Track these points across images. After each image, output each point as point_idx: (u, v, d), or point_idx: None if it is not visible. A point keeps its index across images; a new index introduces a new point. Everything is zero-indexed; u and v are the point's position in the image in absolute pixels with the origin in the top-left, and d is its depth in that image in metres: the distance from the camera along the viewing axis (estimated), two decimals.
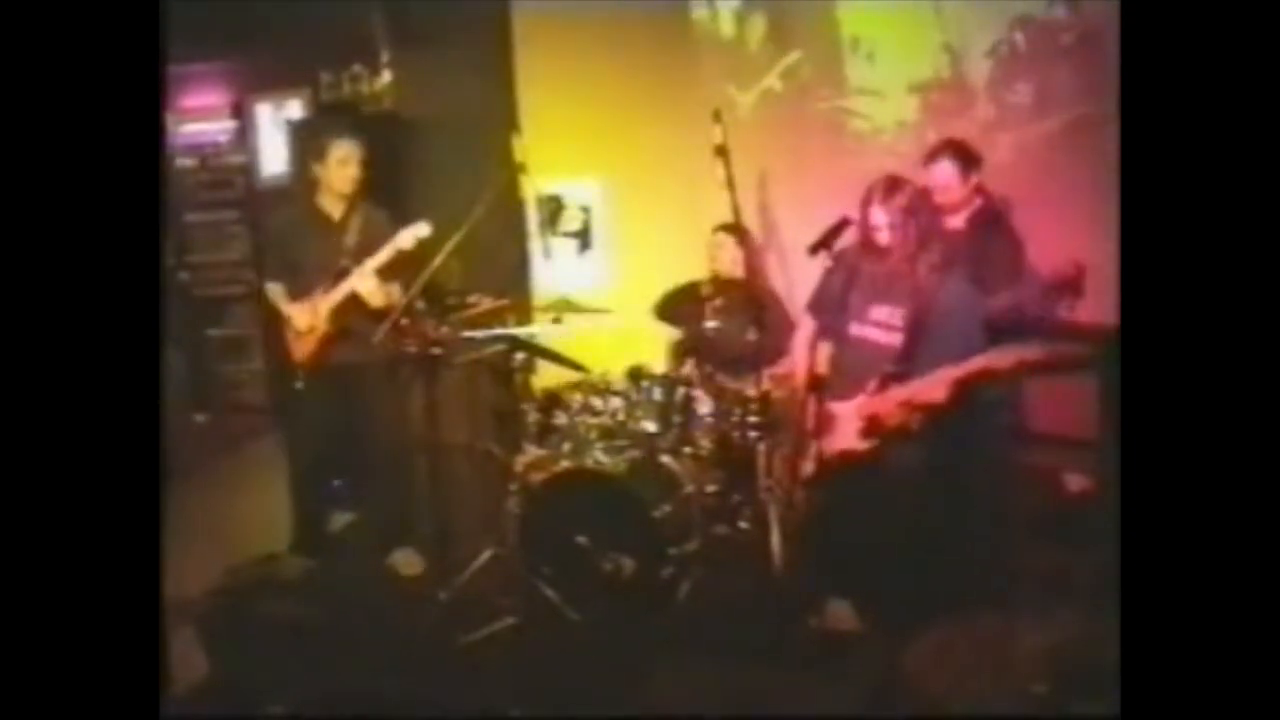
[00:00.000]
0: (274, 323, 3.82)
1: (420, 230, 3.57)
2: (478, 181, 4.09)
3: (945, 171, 3.36)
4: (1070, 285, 2.84)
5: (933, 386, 2.79)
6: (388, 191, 4.79)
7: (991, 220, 3.41)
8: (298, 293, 3.72)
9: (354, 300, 3.63)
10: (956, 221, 3.37)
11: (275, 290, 3.79)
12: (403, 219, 3.76)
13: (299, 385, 3.79)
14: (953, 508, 3.03)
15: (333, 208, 3.71)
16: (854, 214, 2.99)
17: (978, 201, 3.42)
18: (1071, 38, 3.87)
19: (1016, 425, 3.63)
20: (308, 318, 3.66)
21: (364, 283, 3.59)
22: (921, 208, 2.95)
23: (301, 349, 3.71)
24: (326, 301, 3.63)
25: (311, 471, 3.92)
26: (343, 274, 3.63)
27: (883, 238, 2.93)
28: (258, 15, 5.27)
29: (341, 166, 3.64)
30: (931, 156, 3.41)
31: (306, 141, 3.78)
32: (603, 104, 4.65)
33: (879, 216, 2.92)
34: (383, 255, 3.58)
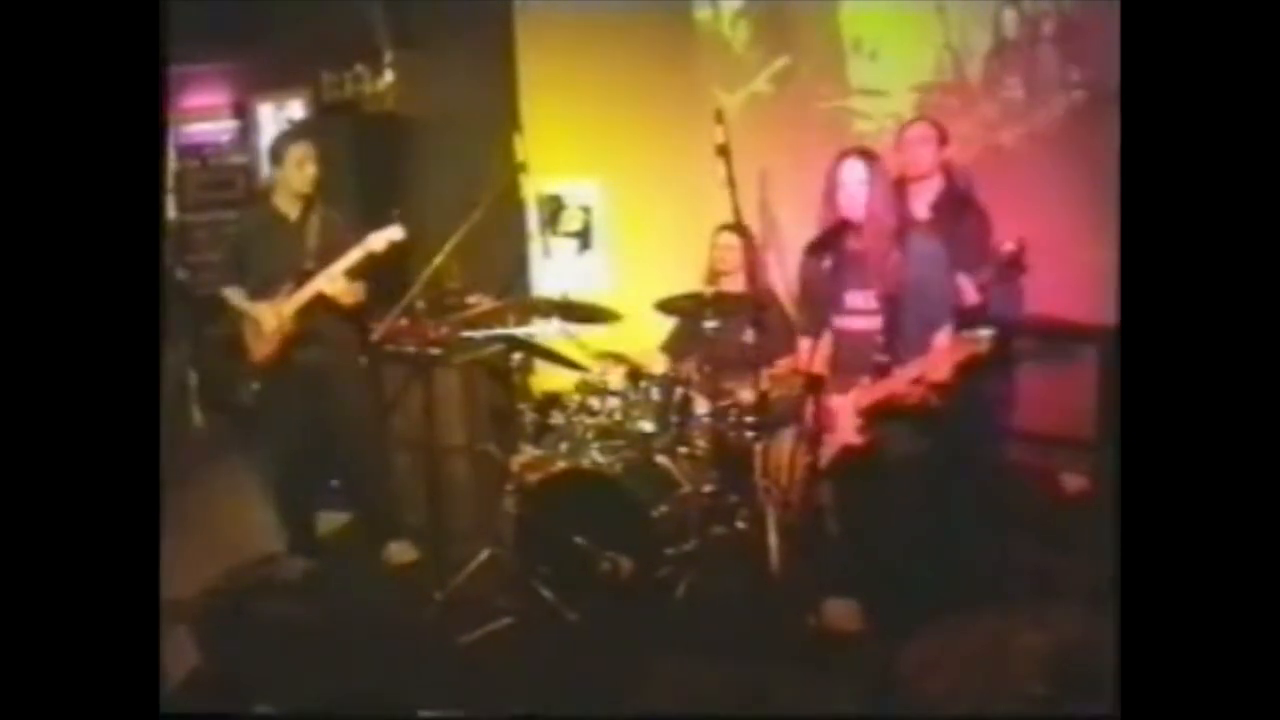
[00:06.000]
0: (235, 326, 3.80)
1: (393, 234, 3.58)
2: (478, 181, 4.11)
3: (916, 129, 3.45)
4: (1012, 262, 2.98)
5: (939, 364, 2.79)
6: (387, 191, 4.82)
7: (957, 204, 3.43)
8: (256, 295, 3.70)
9: (321, 300, 3.63)
10: (921, 208, 3.39)
11: (234, 294, 3.77)
12: (403, 219, 3.76)
13: (256, 387, 3.79)
14: (951, 508, 3.03)
15: (289, 208, 3.71)
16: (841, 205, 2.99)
17: (941, 182, 3.44)
18: (1052, 26, 3.88)
19: (1015, 425, 3.63)
20: (272, 319, 3.65)
21: (333, 284, 3.60)
22: (888, 175, 2.99)
23: (262, 350, 3.68)
24: (291, 303, 3.62)
25: (289, 471, 3.91)
26: (306, 275, 3.62)
27: (851, 198, 2.90)
28: (259, 15, 5.27)
29: (299, 168, 3.66)
30: (908, 123, 3.54)
31: (272, 145, 3.82)
32: (604, 104, 4.65)
33: (853, 172, 2.90)
34: (353, 257, 3.59)
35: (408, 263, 3.83)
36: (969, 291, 3.15)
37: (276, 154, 3.70)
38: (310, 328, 3.67)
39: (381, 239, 3.58)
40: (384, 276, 3.79)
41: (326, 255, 3.63)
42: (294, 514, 3.92)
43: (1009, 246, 3.15)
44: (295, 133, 3.86)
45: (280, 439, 3.88)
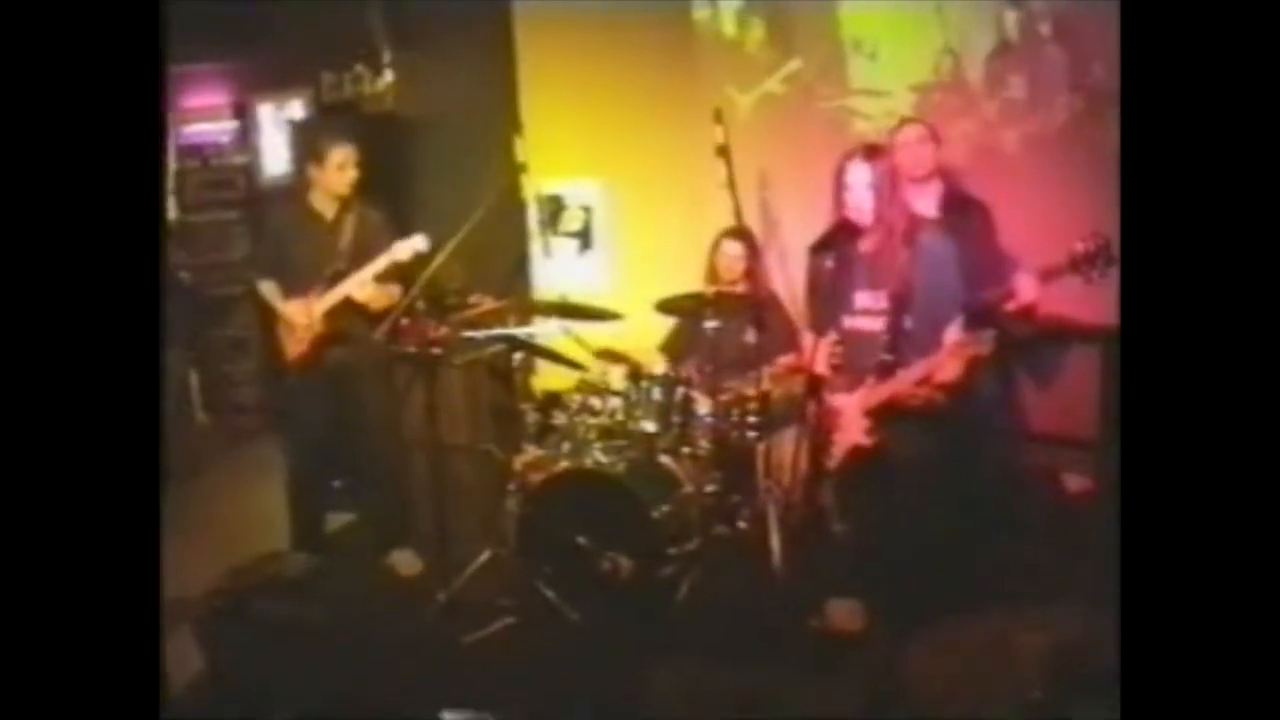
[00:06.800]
0: (268, 320, 3.81)
1: (418, 243, 3.58)
2: (479, 181, 4.10)
3: (911, 130, 3.42)
4: (1098, 255, 2.71)
5: (946, 364, 2.78)
6: (389, 192, 4.81)
7: (962, 205, 3.41)
8: (291, 291, 3.71)
9: (350, 304, 3.64)
10: (926, 207, 3.36)
11: (268, 288, 3.78)
12: (404, 219, 3.76)
13: (291, 383, 3.79)
14: (954, 509, 3.03)
15: (326, 208, 3.71)
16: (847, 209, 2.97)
17: (941, 184, 3.43)
18: (1053, 27, 3.88)
19: (1016, 425, 3.63)
20: (303, 317, 3.65)
21: (362, 290, 3.61)
22: (896, 175, 2.97)
23: (294, 348, 3.70)
24: (322, 303, 3.63)
25: (308, 471, 3.91)
26: (338, 276, 3.63)
27: (859, 201, 2.89)
28: (259, 15, 5.27)
29: (340, 170, 3.65)
30: (899, 125, 3.50)
31: (307, 143, 3.78)
32: (604, 104, 4.65)
33: (859, 174, 2.88)
34: (379, 264, 3.59)
35: (408, 263, 3.82)
36: (1029, 288, 2.97)
37: (318, 153, 3.68)
38: (339, 329, 3.68)
39: (406, 248, 3.58)
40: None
41: (360, 255, 3.64)
42: (306, 513, 3.91)
43: (1094, 238, 2.74)
44: (338, 134, 3.82)
45: (303, 437, 3.89)
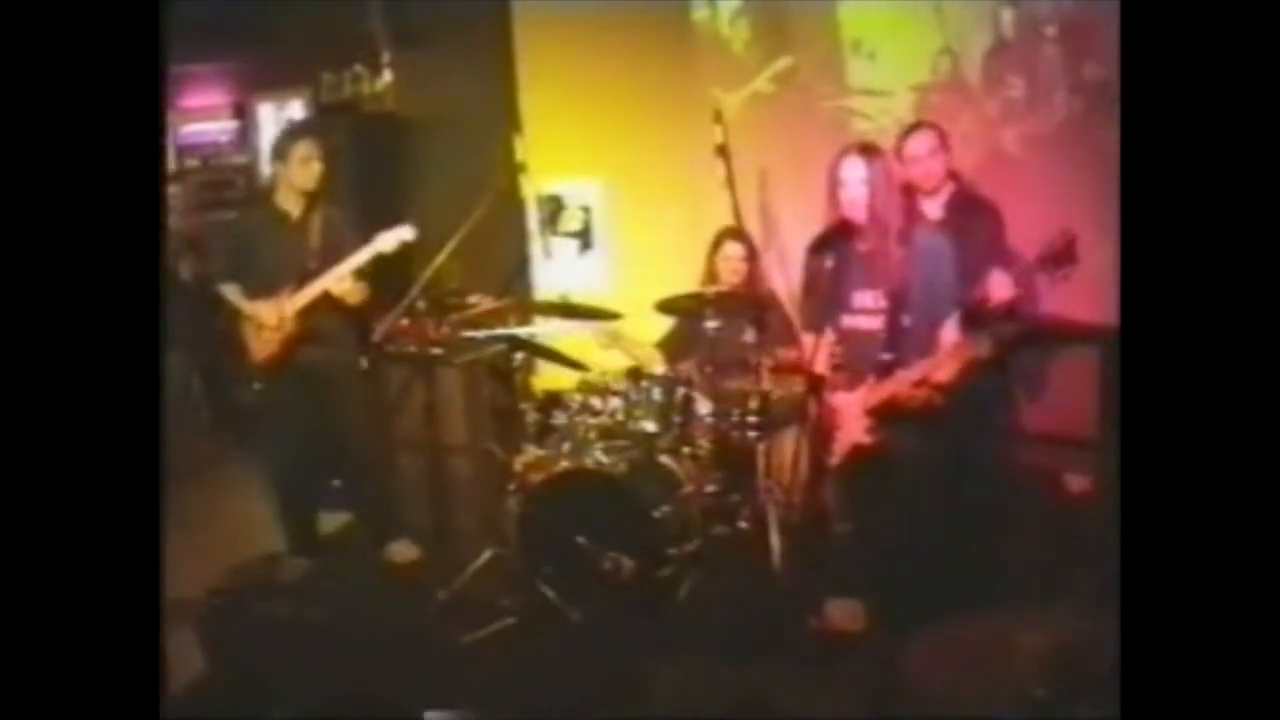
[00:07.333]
0: (233, 324, 3.76)
1: (404, 233, 3.56)
2: (478, 181, 4.10)
3: (922, 141, 3.36)
4: (1063, 254, 2.76)
5: (943, 365, 2.78)
6: (387, 192, 4.82)
7: (970, 205, 3.40)
8: (255, 293, 3.68)
9: (326, 300, 3.61)
10: (935, 210, 3.35)
11: (231, 291, 3.74)
12: (403, 219, 3.75)
13: (258, 387, 3.77)
14: (954, 508, 3.03)
15: (292, 206, 3.69)
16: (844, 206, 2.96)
17: (951, 186, 3.42)
18: (1051, 26, 3.87)
19: (1016, 425, 3.63)
20: (272, 317, 3.62)
21: (340, 284, 3.59)
22: (893, 173, 2.95)
23: (263, 349, 3.66)
24: (293, 302, 3.60)
25: (292, 473, 3.89)
26: (309, 275, 3.61)
27: (853, 197, 2.88)
28: (259, 15, 5.28)
29: (304, 164, 3.63)
30: (907, 132, 3.43)
31: (275, 142, 3.79)
32: (603, 104, 4.65)
33: (854, 170, 2.87)
34: (362, 256, 3.57)
35: (408, 263, 3.82)
36: (1003, 285, 3.03)
37: (280, 151, 3.67)
38: (313, 327, 3.66)
39: (391, 239, 3.56)
40: (385, 277, 3.79)
41: (329, 254, 3.62)
42: (295, 514, 3.91)
43: (1060, 237, 2.80)
44: (299, 130, 3.84)
45: (282, 439, 3.87)
